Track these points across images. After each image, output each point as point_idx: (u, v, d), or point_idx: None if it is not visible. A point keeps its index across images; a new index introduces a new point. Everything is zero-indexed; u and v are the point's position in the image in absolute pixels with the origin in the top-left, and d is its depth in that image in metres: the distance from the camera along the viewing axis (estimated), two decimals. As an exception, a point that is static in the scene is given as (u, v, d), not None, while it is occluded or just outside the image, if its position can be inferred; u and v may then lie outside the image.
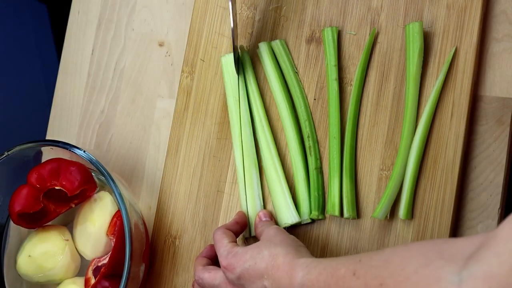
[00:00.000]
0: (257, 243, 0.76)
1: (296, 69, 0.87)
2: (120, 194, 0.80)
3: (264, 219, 0.84)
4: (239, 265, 0.75)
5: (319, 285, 0.67)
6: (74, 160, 0.85)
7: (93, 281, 0.84)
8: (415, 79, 0.82)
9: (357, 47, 0.85)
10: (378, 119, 0.84)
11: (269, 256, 0.73)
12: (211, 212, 0.88)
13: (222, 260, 0.77)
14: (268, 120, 0.87)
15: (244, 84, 0.88)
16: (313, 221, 0.84)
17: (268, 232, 0.78)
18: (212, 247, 0.84)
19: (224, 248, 0.78)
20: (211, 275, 0.79)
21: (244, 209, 0.86)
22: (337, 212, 0.82)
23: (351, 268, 0.63)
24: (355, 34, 0.86)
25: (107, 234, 0.85)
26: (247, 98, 0.88)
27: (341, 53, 0.86)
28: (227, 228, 0.82)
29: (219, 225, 0.88)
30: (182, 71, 0.92)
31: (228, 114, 0.89)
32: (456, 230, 0.82)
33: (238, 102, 0.87)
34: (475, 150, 0.83)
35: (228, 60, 0.88)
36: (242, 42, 0.90)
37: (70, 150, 0.83)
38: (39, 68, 1.28)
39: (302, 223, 0.84)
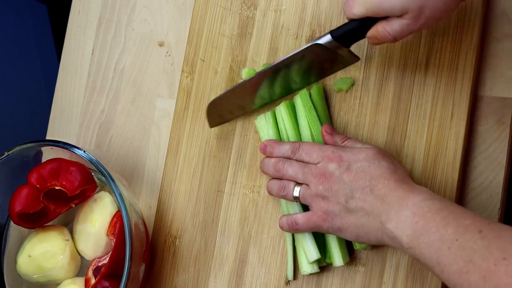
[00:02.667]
0: (367, 148, 0.76)
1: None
2: (120, 194, 0.80)
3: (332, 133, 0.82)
4: (350, 160, 0.75)
5: (436, 217, 0.66)
6: (74, 160, 0.85)
7: (93, 281, 0.84)
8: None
9: (357, 47, 0.85)
10: (378, 119, 0.84)
11: (387, 167, 0.74)
12: (211, 212, 0.88)
13: (329, 153, 0.76)
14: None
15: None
16: None
17: (370, 148, 0.77)
18: None
19: (327, 146, 0.78)
20: (302, 164, 0.78)
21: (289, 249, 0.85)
22: None
23: (478, 225, 0.63)
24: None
25: (107, 234, 0.85)
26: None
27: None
28: None
29: (219, 225, 0.88)
30: (182, 71, 0.92)
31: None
32: (456, 230, 0.82)
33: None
34: (475, 150, 0.83)
35: (262, 122, 0.86)
36: (242, 42, 0.90)
37: (70, 150, 0.83)
38: (39, 68, 1.28)
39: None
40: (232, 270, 0.87)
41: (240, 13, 0.91)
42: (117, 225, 0.84)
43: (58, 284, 0.87)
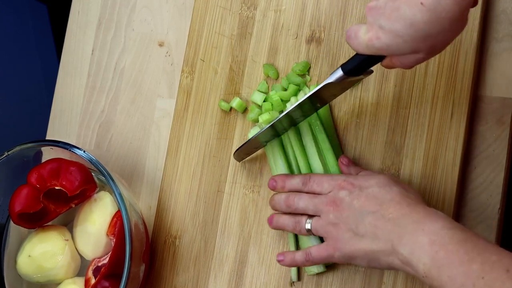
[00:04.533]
0: (378, 175, 0.75)
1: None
2: (120, 194, 0.80)
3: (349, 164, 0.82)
4: (361, 186, 0.74)
5: (459, 250, 0.64)
6: (74, 160, 0.85)
7: (93, 281, 0.84)
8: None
9: (357, 47, 0.85)
10: (378, 119, 0.84)
11: (399, 192, 0.72)
12: (211, 212, 0.88)
13: (340, 181, 0.75)
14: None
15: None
16: None
17: (382, 174, 0.76)
18: None
19: (338, 175, 0.77)
20: (312, 195, 0.78)
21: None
22: None
23: (504, 262, 0.61)
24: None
25: (107, 234, 0.85)
26: None
27: (342, 54, 0.86)
28: None
29: (219, 225, 0.88)
30: (182, 71, 0.92)
31: (227, 115, 0.89)
32: (456, 230, 0.82)
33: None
34: (475, 150, 0.83)
35: (270, 152, 0.86)
36: (242, 42, 0.90)
37: (70, 150, 0.83)
38: (39, 68, 1.28)
39: None
40: (232, 270, 0.87)
41: (240, 13, 0.91)
42: (117, 225, 0.84)
43: (58, 284, 0.87)
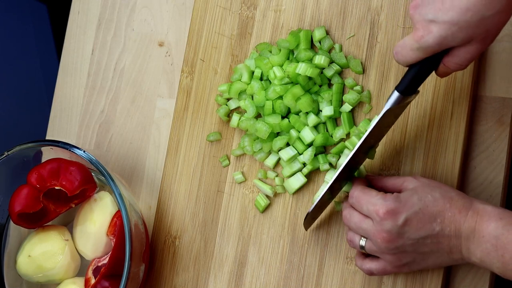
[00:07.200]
0: (413, 188, 0.71)
1: None
2: (120, 194, 0.80)
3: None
4: (406, 209, 0.70)
5: None
6: (74, 160, 0.86)
7: (93, 281, 0.85)
8: None
9: (357, 47, 0.86)
10: (378, 119, 0.84)
11: (442, 198, 0.70)
12: (211, 212, 0.88)
13: (379, 208, 0.70)
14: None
15: None
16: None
17: (417, 178, 0.73)
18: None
19: (377, 196, 0.71)
20: (361, 217, 0.73)
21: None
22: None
23: None
24: (354, 35, 0.86)
25: (107, 234, 0.85)
26: None
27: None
28: None
29: (219, 225, 0.88)
30: (182, 71, 0.92)
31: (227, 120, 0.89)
32: (456, 230, 0.82)
33: None
34: (475, 150, 0.83)
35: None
36: (242, 42, 0.90)
37: (70, 150, 0.83)
38: (39, 68, 1.28)
39: None
40: (232, 271, 0.87)
41: (240, 13, 0.91)
42: (117, 225, 0.84)
43: (58, 284, 0.87)
